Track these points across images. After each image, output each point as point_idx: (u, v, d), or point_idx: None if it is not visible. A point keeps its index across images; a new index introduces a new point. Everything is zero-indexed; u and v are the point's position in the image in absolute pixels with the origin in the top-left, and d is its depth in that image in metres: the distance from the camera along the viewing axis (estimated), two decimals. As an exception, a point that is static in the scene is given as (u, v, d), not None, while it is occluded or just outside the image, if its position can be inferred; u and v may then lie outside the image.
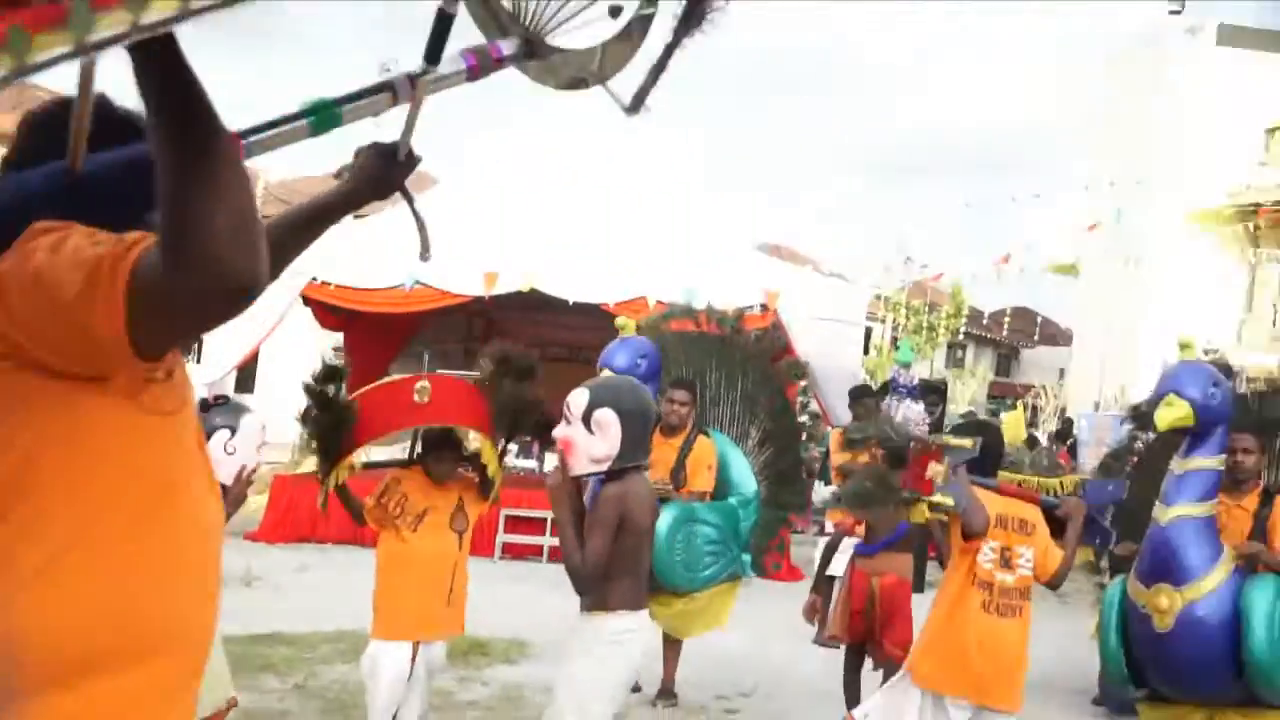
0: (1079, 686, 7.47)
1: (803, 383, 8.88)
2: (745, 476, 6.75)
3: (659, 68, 2.16)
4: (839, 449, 7.30)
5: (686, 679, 6.82)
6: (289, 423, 5.60)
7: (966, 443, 4.63)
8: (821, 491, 9.92)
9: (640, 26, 2.09)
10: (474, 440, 4.85)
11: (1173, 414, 4.73)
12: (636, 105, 2.19)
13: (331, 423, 4.62)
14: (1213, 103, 27.41)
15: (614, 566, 3.78)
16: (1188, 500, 4.76)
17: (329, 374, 4.66)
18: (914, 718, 4.54)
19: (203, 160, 1.32)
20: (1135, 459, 6.01)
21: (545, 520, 10.84)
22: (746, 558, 6.61)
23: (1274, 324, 24.39)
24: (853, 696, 6.05)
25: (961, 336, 38.34)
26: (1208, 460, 4.79)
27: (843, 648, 6.28)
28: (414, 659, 4.65)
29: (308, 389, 4.67)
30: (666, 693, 6.66)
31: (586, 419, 3.79)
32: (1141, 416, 5.80)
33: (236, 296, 1.39)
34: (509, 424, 4.79)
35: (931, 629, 4.68)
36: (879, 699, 4.85)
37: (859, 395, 8.46)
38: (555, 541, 7.62)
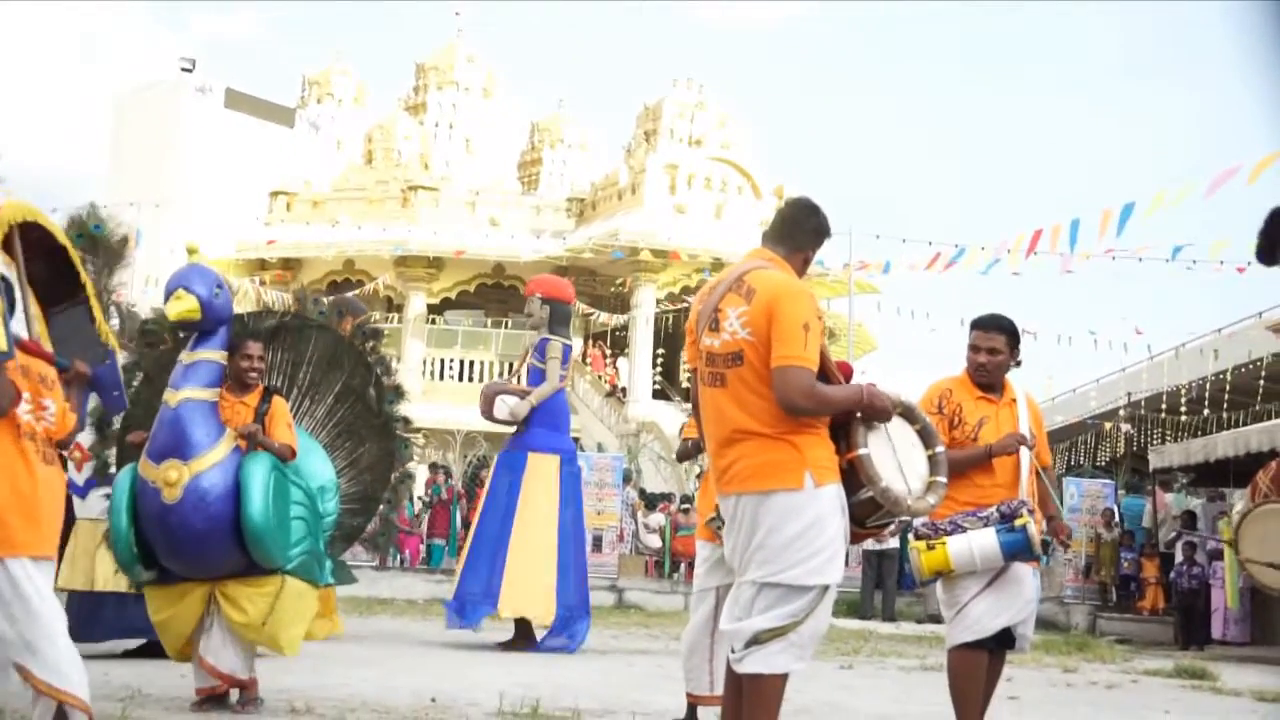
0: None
1: None
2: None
3: None
4: None
5: None
6: None
7: None
8: None
9: None
10: None
11: (183, 306, 5.29)
12: None
13: None
14: (222, 159, 29.22)
15: None
16: (194, 386, 5.35)
17: None
18: None
19: None
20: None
21: None
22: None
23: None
24: None
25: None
26: (212, 353, 5.43)
27: None
28: None
29: None
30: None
31: None
32: (149, 325, 6.10)
33: None
34: None
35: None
36: None
37: None
38: None
